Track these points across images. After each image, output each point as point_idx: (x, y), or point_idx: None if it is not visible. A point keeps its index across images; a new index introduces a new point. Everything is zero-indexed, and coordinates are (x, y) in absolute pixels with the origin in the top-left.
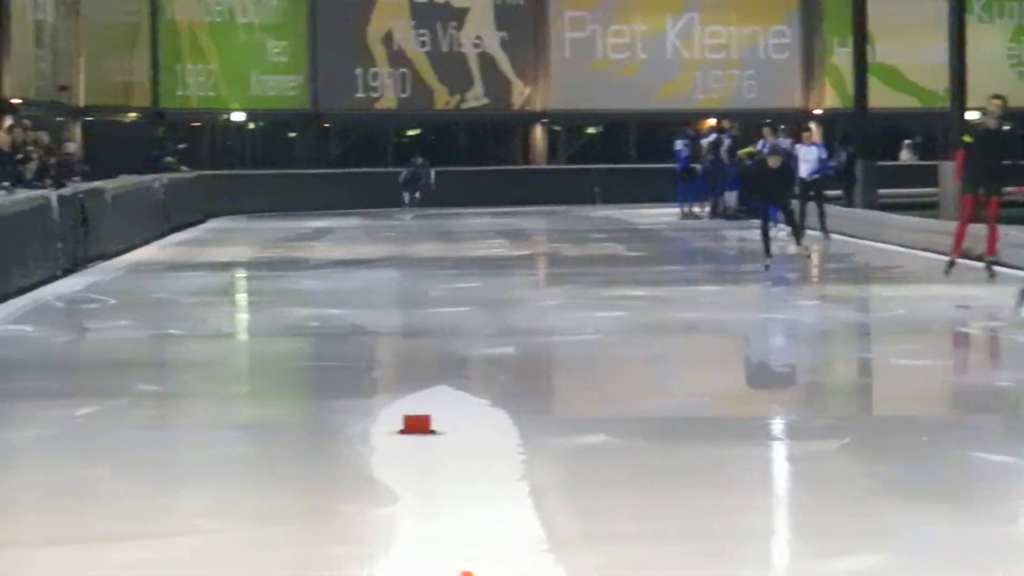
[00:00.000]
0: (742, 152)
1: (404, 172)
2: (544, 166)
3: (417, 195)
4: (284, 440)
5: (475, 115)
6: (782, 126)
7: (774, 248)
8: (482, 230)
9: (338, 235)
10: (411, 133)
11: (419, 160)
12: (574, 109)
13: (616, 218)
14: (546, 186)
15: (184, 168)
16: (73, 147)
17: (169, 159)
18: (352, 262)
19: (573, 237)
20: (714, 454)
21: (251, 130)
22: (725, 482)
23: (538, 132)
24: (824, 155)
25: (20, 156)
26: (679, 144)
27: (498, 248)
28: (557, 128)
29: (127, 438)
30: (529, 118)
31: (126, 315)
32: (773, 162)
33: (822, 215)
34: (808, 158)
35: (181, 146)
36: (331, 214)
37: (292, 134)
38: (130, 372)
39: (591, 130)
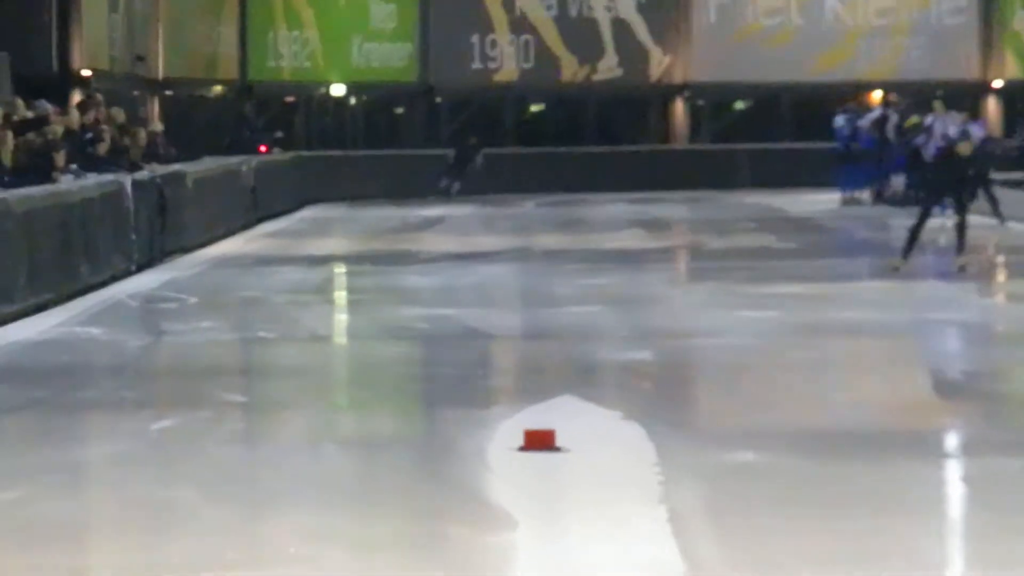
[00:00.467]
0: (909, 123)
1: (450, 154)
2: (685, 146)
3: (456, 185)
4: (389, 457)
5: (607, 88)
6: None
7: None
8: (614, 219)
9: (450, 224)
10: (534, 109)
11: (472, 139)
12: (720, 81)
13: (767, 205)
14: (687, 169)
15: (277, 150)
16: (161, 126)
17: (276, 140)
18: (466, 255)
19: (718, 226)
20: (879, 473)
21: (352, 106)
22: (891, 504)
23: (678, 107)
24: (981, 132)
25: (91, 135)
26: (839, 121)
27: (633, 239)
28: (700, 103)
29: (211, 455)
30: (668, 91)
31: (209, 316)
32: (965, 149)
33: (992, 200)
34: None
35: (278, 134)
36: (442, 201)
37: (399, 110)
38: (214, 381)
39: (739, 105)
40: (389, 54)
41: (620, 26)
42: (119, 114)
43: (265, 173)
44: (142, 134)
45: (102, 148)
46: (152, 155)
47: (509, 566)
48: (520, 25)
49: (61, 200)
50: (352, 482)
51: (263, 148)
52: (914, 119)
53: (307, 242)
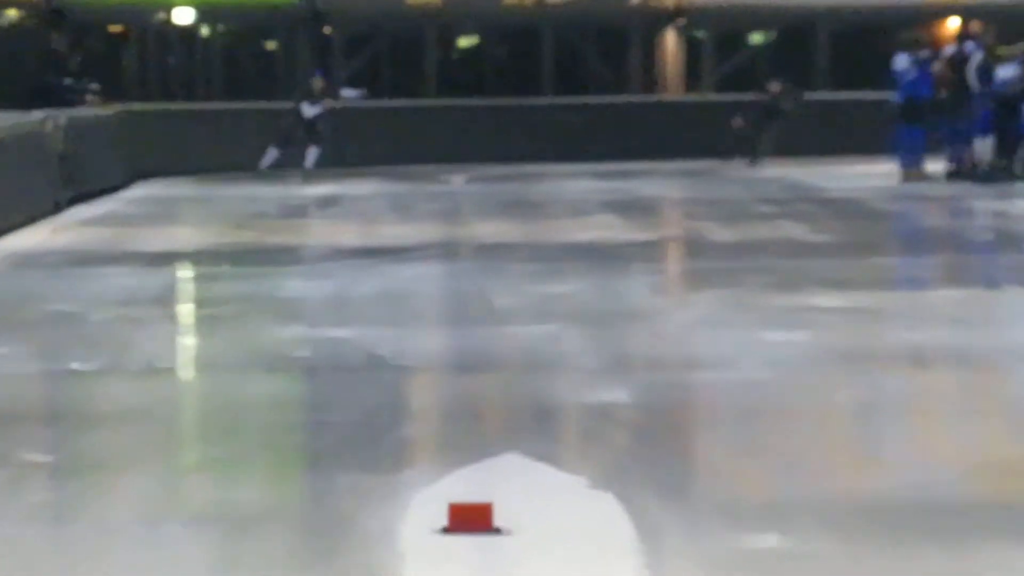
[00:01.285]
0: (1002, 51)
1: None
2: (679, 97)
3: (311, 153)
4: (257, 541)
5: (567, 14)
6: None
7: None
8: (580, 200)
9: (347, 208)
10: (465, 43)
11: (318, 82)
12: (728, 4)
13: (795, 181)
14: (683, 129)
15: (95, 90)
16: None
17: (75, 82)
18: (369, 252)
19: (726, 211)
20: (955, 562)
21: (206, 39)
22: None
23: (669, 41)
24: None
25: None
26: (902, 62)
27: (605, 229)
28: (700, 34)
29: (3, 537)
30: (655, 19)
31: (1, 339)
32: None
33: None
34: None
35: (93, 86)
36: (337, 174)
37: (273, 46)
38: (8, 431)
39: (756, 38)
40: None
41: None
42: None
43: (80, 134)
44: None
45: None
46: None
47: None
48: None
49: None
50: None
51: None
52: (1004, 50)
53: (141, 233)
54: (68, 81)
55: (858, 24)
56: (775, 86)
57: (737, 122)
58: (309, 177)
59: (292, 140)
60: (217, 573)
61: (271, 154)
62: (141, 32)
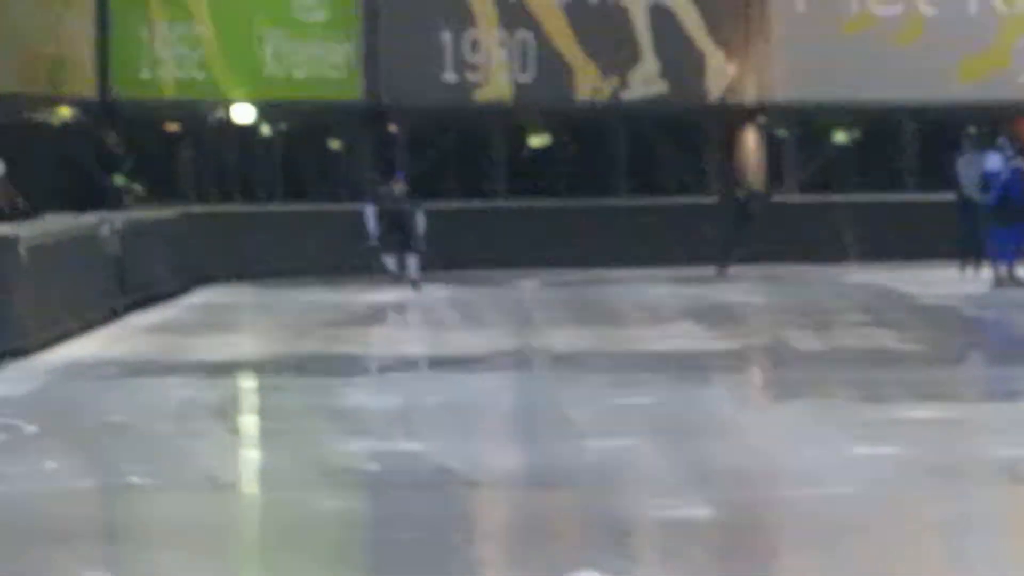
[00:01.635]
0: None
1: (369, 211)
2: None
3: (413, 261)
4: None
5: (644, 111)
6: None
7: None
8: (658, 305)
9: (414, 314)
10: (536, 141)
11: (397, 186)
12: (811, 101)
13: (883, 285)
14: (765, 230)
15: (137, 190)
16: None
17: (121, 180)
18: (437, 362)
19: (811, 318)
20: None
21: (266, 137)
22: None
23: (750, 139)
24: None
25: None
26: (993, 162)
27: (685, 337)
28: (782, 132)
29: None
30: (736, 116)
31: (55, 452)
32: None
33: None
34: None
35: (136, 187)
36: (404, 279)
37: (335, 144)
38: (63, 549)
39: (840, 136)
40: (320, 59)
41: (664, 19)
42: None
43: (138, 238)
44: None
45: None
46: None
47: None
48: (515, 17)
49: None
50: None
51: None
52: None
53: (200, 341)
54: (113, 180)
55: (946, 121)
56: (742, 190)
57: (706, 231)
58: (418, 287)
59: (390, 244)
60: None
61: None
62: (198, 128)
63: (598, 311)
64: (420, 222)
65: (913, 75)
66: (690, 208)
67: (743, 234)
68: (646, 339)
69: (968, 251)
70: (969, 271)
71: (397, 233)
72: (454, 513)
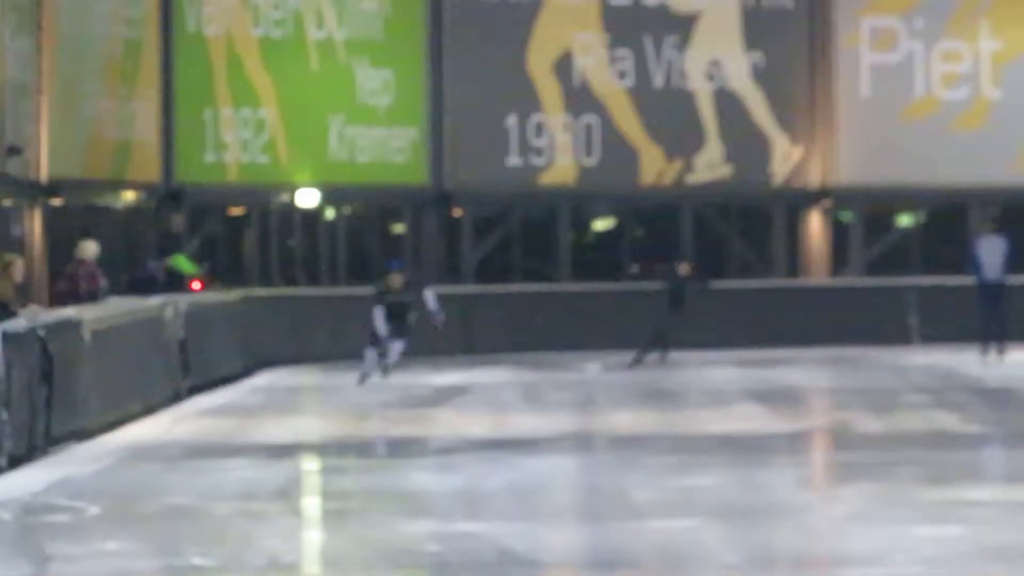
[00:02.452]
0: None
1: (377, 312)
2: (825, 282)
3: (398, 346)
4: None
5: (708, 194)
6: None
7: None
8: (720, 388)
9: (477, 396)
10: (601, 225)
11: (396, 278)
12: (876, 185)
13: (948, 368)
14: (828, 314)
15: (203, 273)
16: (93, 249)
17: (181, 263)
18: (500, 443)
19: (875, 401)
20: None
21: (330, 221)
22: None
23: (814, 223)
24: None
25: None
26: None
27: (747, 420)
28: (847, 216)
29: None
30: (800, 200)
31: (118, 533)
32: None
33: None
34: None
35: (204, 265)
36: (466, 361)
37: (399, 228)
38: None
39: (905, 220)
40: (384, 143)
41: (728, 102)
42: None
43: (201, 321)
44: (18, 264)
45: None
46: (71, 295)
47: None
48: (580, 101)
49: None
50: None
51: (197, 283)
52: None
53: (263, 423)
54: (154, 265)
55: (1015, 204)
56: (684, 268)
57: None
58: (387, 372)
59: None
60: None
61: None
62: (263, 213)
63: (661, 393)
64: (430, 300)
65: (978, 158)
66: (755, 292)
67: (679, 317)
68: (709, 421)
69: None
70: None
71: (393, 323)
72: None
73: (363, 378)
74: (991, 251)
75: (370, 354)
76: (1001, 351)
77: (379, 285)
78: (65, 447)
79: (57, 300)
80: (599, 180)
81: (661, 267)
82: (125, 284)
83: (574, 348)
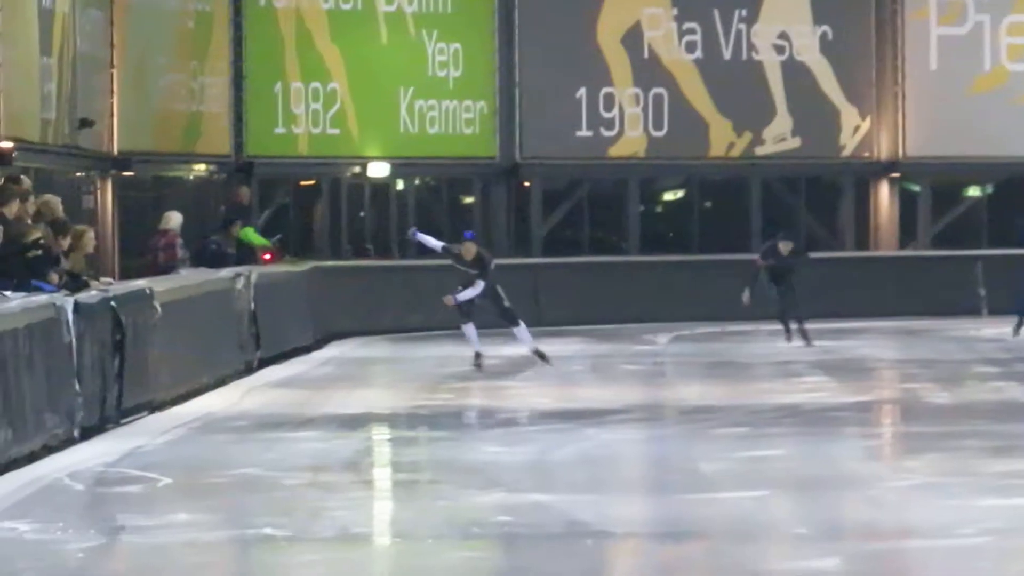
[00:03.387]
0: None
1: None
2: (894, 252)
3: (521, 333)
4: None
5: (777, 166)
6: None
7: None
8: (789, 359)
9: (544, 369)
10: (670, 196)
11: (471, 247)
12: (946, 157)
13: (1017, 340)
14: (897, 284)
15: (273, 245)
16: (176, 220)
17: (251, 236)
18: (569, 415)
19: (943, 372)
20: None
21: (401, 192)
22: None
23: (883, 194)
24: None
25: (29, 240)
26: None
27: (816, 390)
28: (915, 188)
29: None
30: (869, 171)
31: (189, 504)
32: None
33: None
34: None
35: (277, 237)
36: (536, 333)
37: (468, 199)
38: None
39: (973, 191)
40: (455, 116)
41: (798, 74)
42: (54, 205)
43: (271, 293)
44: (89, 235)
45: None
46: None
47: None
48: (649, 73)
49: None
50: None
51: (267, 255)
52: None
53: (333, 395)
54: (217, 239)
55: None
56: (785, 247)
57: (745, 298)
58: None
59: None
60: None
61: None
62: (333, 185)
63: (730, 365)
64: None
65: None
66: (823, 263)
67: (791, 294)
68: (778, 392)
69: None
70: None
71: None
72: (584, 565)
73: (479, 357)
74: None
75: (469, 330)
76: None
77: (453, 249)
78: (136, 418)
79: (140, 272)
80: (668, 152)
81: (762, 248)
82: (191, 257)
83: (642, 320)
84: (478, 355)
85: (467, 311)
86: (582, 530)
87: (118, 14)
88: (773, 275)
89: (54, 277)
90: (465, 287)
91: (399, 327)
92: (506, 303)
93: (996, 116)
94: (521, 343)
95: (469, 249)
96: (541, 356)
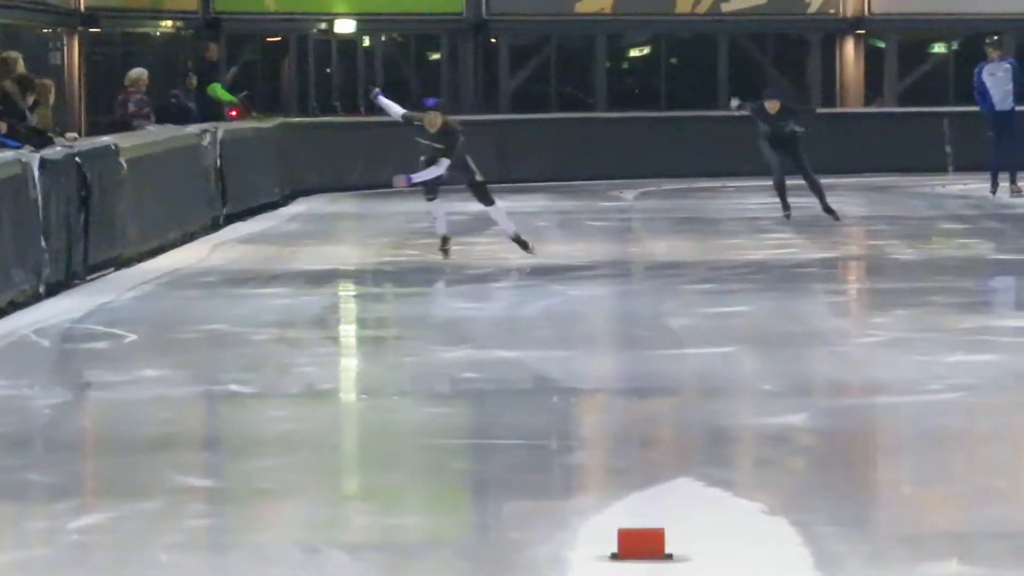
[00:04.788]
0: None
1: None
2: (859, 109)
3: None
4: (424, 569)
5: (743, 24)
6: None
7: None
8: (754, 216)
9: (516, 224)
10: (636, 53)
11: (435, 117)
12: (911, 13)
13: (983, 197)
14: (863, 142)
15: (240, 102)
16: (139, 74)
17: (218, 91)
18: (536, 271)
19: (909, 228)
20: None
21: (367, 49)
22: None
23: (848, 52)
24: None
25: None
26: None
27: (783, 247)
28: (880, 44)
29: (160, 565)
30: (834, 28)
31: (156, 361)
32: None
33: None
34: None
35: (244, 93)
36: (503, 190)
37: (435, 56)
38: (164, 456)
39: (938, 48)
40: None
41: None
42: (17, 61)
43: (237, 149)
44: (51, 90)
45: None
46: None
47: None
48: None
49: None
50: None
51: (234, 112)
52: None
53: (300, 251)
54: (179, 94)
55: None
56: (772, 105)
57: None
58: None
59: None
60: None
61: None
62: (300, 42)
63: (697, 221)
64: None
65: None
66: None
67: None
68: (745, 248)
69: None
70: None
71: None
72: (551, 420)
73: (445, 242)
74: (998, 78)
75: (436, 209)
76: (1016, 184)
77: (415, 119)
78: (103, 275)
79: (107, 129)
80: (635, 8)
81: (750, 106)
82: (156, 113)
83: (609, 176)
84: (445, 239)
85: (432, 187)
86: (550, 386)
87: None
88: (771, 141)
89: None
90: (428, 164)
91: (366, 183)
92: (478, 177)
93: None
94: (499, 226)
95: (433, 120)
96: (522, 244)
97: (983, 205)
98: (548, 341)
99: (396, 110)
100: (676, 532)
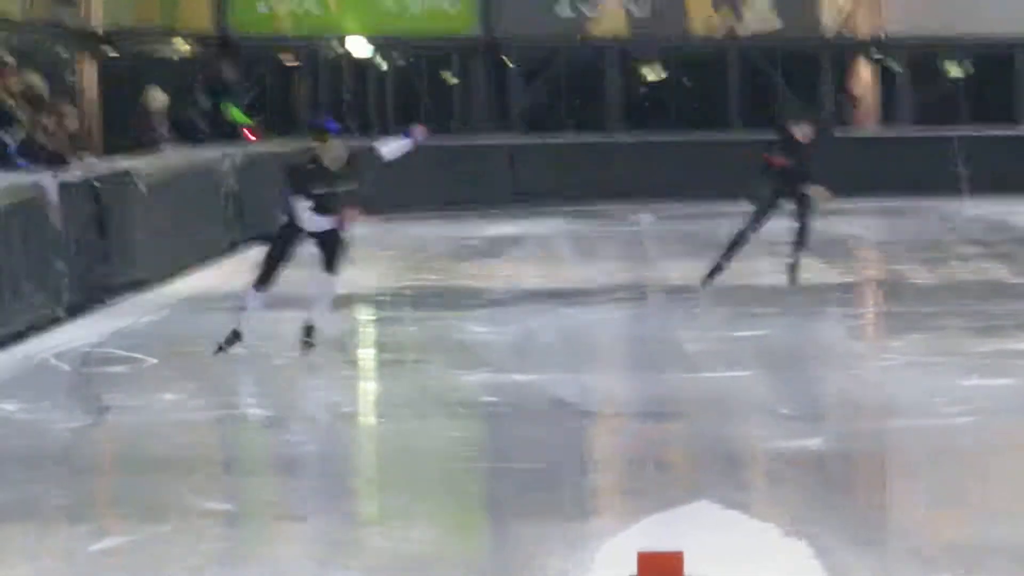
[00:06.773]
0: None
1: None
2: (874, 132)
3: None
4: None
5: (758, 46)
6: None
7: None
8: (772, 239)
9: (531, 247)
10: (650, 76)
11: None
12: (925, 34)
13: (999, 220)
14: (878, 165)
15: (246, 117)
16: (161, 99)
17: (233, 113)
18: (553, 294)
19: (925, 252)
20: None
21: (381, 70)
22: None
23: (864, 73)
24: None
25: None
26: None
27: (800, 270)
28: (896, 67)
29: None
30: (849, 50)
31: (175, 384)
32: None
33: None
34: None
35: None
36: (518, 212)
37: (450, 77)
38: (182, 479)
39: (953, 70)
40: None
41: None
42: (36, 83)
43: (256, 172)
44: (71, 114)
45: (14, 135)
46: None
47: None
48: None
49: None
50: None
51: (250, 133)
52: None
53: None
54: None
55: None
56: (804, 130)
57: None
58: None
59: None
60: None
61: None
62: (314, 62)
63: (713, 244)
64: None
65: None
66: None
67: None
68: (761, 272)
69: None
70: None
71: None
72: (567, 443)
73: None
74: None
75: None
76: None
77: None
78: (122, 298)
79: (125, 150)
80: (649, 31)
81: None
82: (173, 134)
83: (622, 198)
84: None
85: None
86: (565, 409)
87: None
88: (784, 181)
89: None
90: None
91: (385, 206)
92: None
93: None
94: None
95: (332, 147)
96: (307, 332)
97: (999, 228)
98: (563, 364)
99: (396, 146)
100: (693, 555)
